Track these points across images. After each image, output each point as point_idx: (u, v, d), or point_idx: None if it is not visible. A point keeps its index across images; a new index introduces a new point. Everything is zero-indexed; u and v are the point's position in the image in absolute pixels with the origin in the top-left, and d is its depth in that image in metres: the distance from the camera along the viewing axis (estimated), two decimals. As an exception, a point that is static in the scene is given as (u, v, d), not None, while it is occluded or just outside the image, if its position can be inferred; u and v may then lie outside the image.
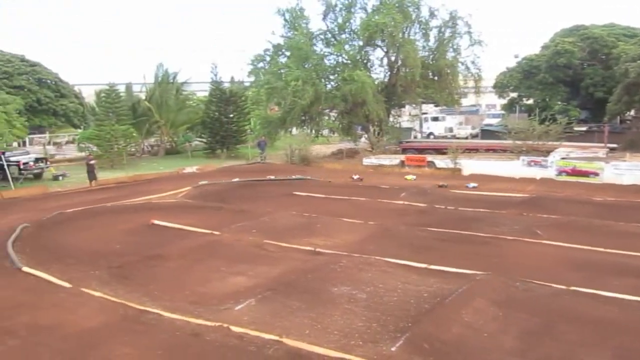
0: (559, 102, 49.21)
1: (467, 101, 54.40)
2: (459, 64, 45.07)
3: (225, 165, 40.49)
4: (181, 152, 49.84)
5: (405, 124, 51.11)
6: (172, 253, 16.79)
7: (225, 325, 11.23)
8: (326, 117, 46.84)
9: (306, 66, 41.74)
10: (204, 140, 49.81)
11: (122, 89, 48.64)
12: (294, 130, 48.45)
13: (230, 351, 10.24)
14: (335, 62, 44.36)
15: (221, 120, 47.11)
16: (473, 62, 44.88)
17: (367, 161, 37.67)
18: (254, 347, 10.38)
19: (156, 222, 20.92)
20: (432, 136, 52.72)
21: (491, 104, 66.02)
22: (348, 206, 23.53)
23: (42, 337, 11.09)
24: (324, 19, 44.08)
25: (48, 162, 37.82)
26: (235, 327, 11.15)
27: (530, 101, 52.87)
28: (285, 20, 43.57)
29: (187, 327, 11.35)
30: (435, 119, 55.24)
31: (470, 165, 32.40)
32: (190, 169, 37.43)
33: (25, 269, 15.45)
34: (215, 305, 12.56)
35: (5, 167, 31.55)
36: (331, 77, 44.32)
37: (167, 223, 20.73)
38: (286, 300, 12.77)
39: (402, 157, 37.14)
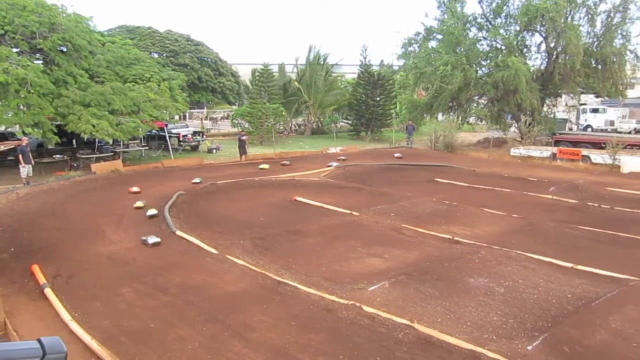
0: None
1: (633, 93, 49.67)
2: (628, 52, 41.29)
3: (369, 148, 40.75)
4: (326, 133, 50.96)
5: (560, 115, 48.01)
6: (312, 229, 17.30)
7: (357, 304, 11.40)
8: (475, 104, 45.33)
9: (457, 51, 40.61)
10: (350, 121, 50.51)
11: (275, 69, 50.60)
12: (440, 116, 47.51)
13: (361, 330, 10.39)
14: (488, 48, 42.72)
15: (367, 103, 47.44)
16: (644, 51, 40.94)
17: (515, 151, 36.01)
18: (385, 329, 10.43)
19: (299, 198, 21.66)
20: (589, 129, 49.00)
21: (662, 97, 59.92)
22: (491, 196, 22.71)
23: (189, 296, 12.03)
24: (480, 1, 42.49)
25: (204, 136, 40.53)
26: (367, 307, 11.27)
27: None
28: (440, 1, 42.60)
29: (321, 302, 11.68)
30: (594, 110, 51.19)
31: (632, 162, 29.74)
32: (335, 149, 38.17)
33: (179, 233, 16.77)
34: (350, 284, 12.77)
35: (167, 138, 34.31)
36: (483, 62, 42.75)
37: (308, 200, 21.39)
38: (420, 286, 12.65)
39: (554, 149, 35.00)
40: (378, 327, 10.52)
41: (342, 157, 34.38)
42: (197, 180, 25.54)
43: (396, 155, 35.60)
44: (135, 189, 22.82)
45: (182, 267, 13.93)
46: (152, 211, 19.05)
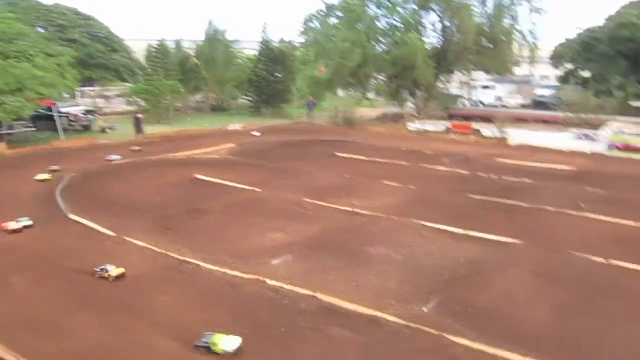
0: (617, 76, 47.17)
1: (520, 71, 52.67)
2: (516, 32, 43.60)
3: (270, 124, 40.63)
4: (227, 110, 50.21)
5: (454, 91, 50.09)
6: (213, 207, 17.11)
7: (261, 278, 11.48)
8: (373, 81, 46.30)
9: (357, 28, 41.17)
10: (250, 98, 50.02)
11: (171, 45, 49.02)
12: (340, 92, 48.13)
13: (265, 303, 10.49)
14: (387, 25, 43.59)
15: (268, 79, 47.15)
16: (530, 31, 43.31)
17: (411, 126, 37.24)
18: (288, 301, 10.60)
19: (199, 176, 21.31)
20: (480, 104, 51.55)
21: (545, 74, 63.87)
22: (389, 170, 23.43)
23: (87, 282, 11.53)
24: (379, -21, 43.14)
25: (97, 115, 38.65)
26: (270, 281, 11.38)
27: (587, 74, 50.93)
28: (341, -22, 42.89)
29: (224, 278, 11.66)
30: (485, 87, 53.81)
31: (518, 135, 31.67)
32: (235, 126, 37.74)
33: (72, 216, 16.02)
34: (253, 259, 12.81)
35: (56, 117, 32.40)
36: (382, 39, 43.62)
37: (209, 178, 21.11)
38: (322, 257, 12.92)
39: (448, 123, 36.55)
40: (282, 299, 10.68)
41: (256, 133, 34.24)
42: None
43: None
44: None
45: (78, 251, 13.32)
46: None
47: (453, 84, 50.05)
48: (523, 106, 50.84)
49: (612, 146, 28.84)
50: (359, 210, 16.67)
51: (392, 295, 10.93)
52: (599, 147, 29.06)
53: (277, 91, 47.68)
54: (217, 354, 8.47)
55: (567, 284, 11.50)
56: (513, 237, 14.14)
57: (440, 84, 46.21)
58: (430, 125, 36.59)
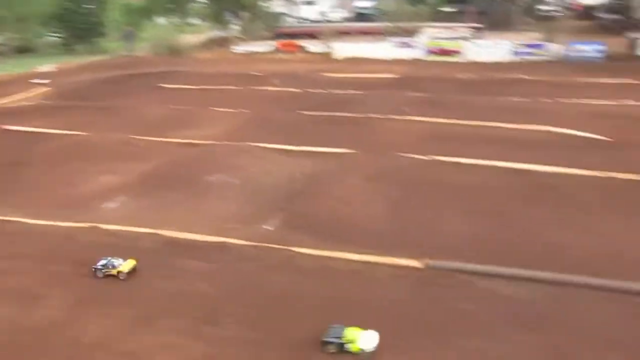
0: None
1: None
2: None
3: (87, 62, 37.52)
4: (35, 50, 45.33)
5: (278, 10, 49.46)
6: (32, 159, 15.68)
7: (96, 224, 10.93)
8: (194, 4, 44.25)
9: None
10: (60, 35, 45.45)
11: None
12: (160, 20, 45.46)
13: (106, 248, 9.96)
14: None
15: (77, 11, 42.99)
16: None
17: (238, 49, 36.50)
18: (129, 242, 10.25)
19: (8, 127, 19.12)
20: (306, 21, 51.53)
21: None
22: (220, 96, 22.87)
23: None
24: None
25: None
26: (107, 225, 10.91)
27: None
28: None
29: (58, 232, 10.91)
30: (308, 2, 53.73)
31: (342, 49, 32.40)
32: (48, 67, 34.29)
33: None
34: (84, 207, 12.12)
35: None
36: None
37: (21, 127, 19.07)
38: (159, 193, 12.54)
39: (274, 43, 36.31)
40: (122, 242, 10.28)
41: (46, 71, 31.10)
42: None
43: None
44: None
45: None
46: None
47: (277, 2, 49.40)
48: (346, 19, 51.72)
49: (428, 52, 30.62)
50: (192, 141, 16.26)
51: (235, 219, 10.97)
52: (417, 54, 30.71)
53: (90, 24, 43.70)
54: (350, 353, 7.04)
55: (397, 183, 12.29)
56: (346, 147, 14.72)
57: (263, 3, 45.33)
58: (257, 47, 36.11)
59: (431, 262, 8.64)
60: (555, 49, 28.98)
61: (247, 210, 11.31)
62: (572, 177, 12.55)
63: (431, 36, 33.03)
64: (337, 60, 31.11)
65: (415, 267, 8.64)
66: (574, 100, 19.77)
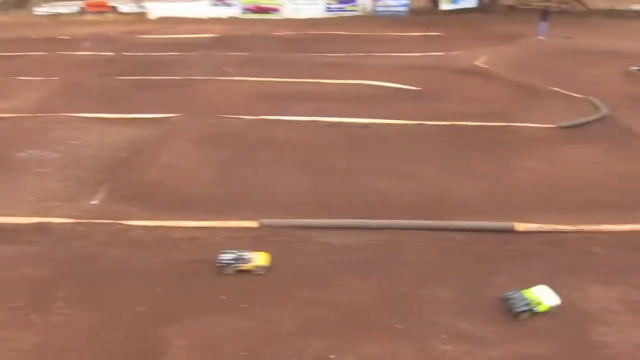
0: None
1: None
2: None
3: None
4: None
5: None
6: None
7: None
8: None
9: None
10: None
11: None
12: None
13: None
14: None
15: None
16: None
17: (39, 10, 33.27)
18: None
19: None
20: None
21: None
22: (25, 64, 20.77)
23: None
24: None
25: None
26: None
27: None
28: None
29: None
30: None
31: (157, 9, 31.01)
32: None
33: None
34: None
35: None
36: None
37: None
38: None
39: (81, 3, 33.64)
40: None
41: None
42: None
43: None
44: None
45: None
46: None
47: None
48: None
49: (245, 9, 30.46)
50: (-3, 115, 14.76)
51: (57, 197, 10.29)
52: (234, 12, 30.41)
53: None
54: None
55: (225, 145, 12.33)
56: (169, 112, 14.35)
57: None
58: (62, 8, 33.22)
59: (265, 221, 8.89)
60: (365, 4, 30.39)
61: (69, 186, 10.62)
62: (387, 127, 13.50)
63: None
64: (152, 21, 29.77)
65: (251, 227, 8.83)
66: (385, 54, 21.03)
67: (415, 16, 30.02)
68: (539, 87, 16.77)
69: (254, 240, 8.45)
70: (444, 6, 29.66)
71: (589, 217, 9.24)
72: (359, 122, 13.65)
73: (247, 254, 7.78)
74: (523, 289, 7.11)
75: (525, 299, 6.91)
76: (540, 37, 23.98)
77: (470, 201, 9.94)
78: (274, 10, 30.26)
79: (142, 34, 25.61)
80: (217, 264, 7.72)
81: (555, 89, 16.62)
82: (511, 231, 8.78)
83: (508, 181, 10.85)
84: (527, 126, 13.65)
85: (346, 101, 15.44)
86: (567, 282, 7.51)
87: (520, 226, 8.83)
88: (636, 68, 18.51)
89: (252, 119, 13.78)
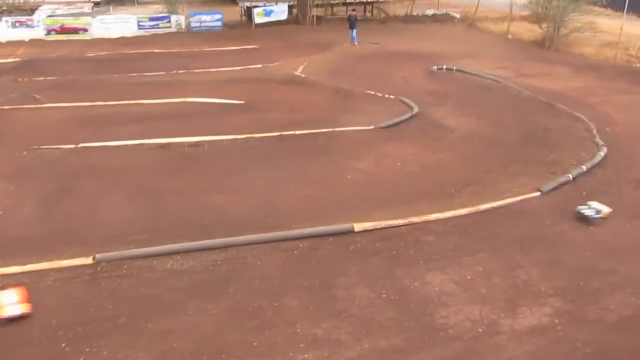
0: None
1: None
2: None
3: None
4: None
5: None
6: None
7: None
8: None
9: None
10: None
11: None
12: None
13: None
14: None
15: None
16: None
17: None
18: None
19: None
20: None
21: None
22: None
23: None
24: None
25: None
26: None
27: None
28: None
29: None
30: None
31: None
32: None
33: None
34: None
35: None
36: None
37: None
38: None
39: None
40: None
41: None
42: None
43: None
44: None
45: None
46: None
47: None
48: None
49: (48, 30, 28.53)
50: None
51: None
52: (37, 33, 28.35)
53: None
54: None
55: (45, 179, 11.40)
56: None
57: None
58: None
59: (99, 256, 8.33)
60: (178, 20, 30.03)
61: None
62: (217, 143, 13.43)
63: (49, 13, 30.90)
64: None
65: (85, 264, 8.22)
66: (205, 69, 20.96)
67: (231, 30, 30.35)
68: (356, 91, 17.82)
69: (91, 278, 7.91)
70: (258, 19, 30.24)
71: (416, 208, 10.01)
72: (187, 141, 13.42)
73: None
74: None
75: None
76: (350, 44, 25.53)
77: (307, 207, 10.25)
78: (82, 30, 28.72)
79: None
80: None
81: (371, 92, 17.79)
82: (351, 232, 9.18)
83: (340, 184, 11.38)
84: (349, 130, 14.41)
85: (172, 120, 15.11)
86: (407, 273, 8.07)
87: (358, 226, 9.27)
88: (436, 68, 20.45)
89: (72, 148, 12.93)
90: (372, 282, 7.81)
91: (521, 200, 10.41)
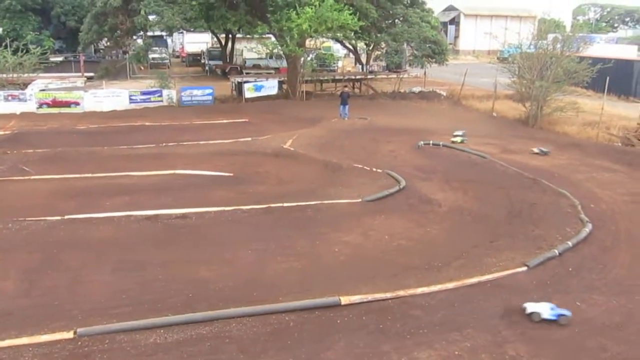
0: (31, 32, 46.62)
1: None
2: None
3: None
4: None
5: None
6: None
7: None
8: None
9: None
10: None
11: None
12: None
13: None
14: None
15: None
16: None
17: None
18: None
19: None
20: None
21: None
22: None
23: None
24: None
25: None
26: None
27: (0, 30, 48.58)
28: None
29: None
30: None
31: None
32: None
33: None
34: None
35: None
36: None
37: None
38: None
39: None
40: None
41: None
42: None
43: None
44: None
45: None
46: None
47: None
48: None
49: (40, 103, 28.92)
50: None
51: None
52: (29, 106, 28.70)
53: None
54: None
55: (29, 251, 11.31)
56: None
57: None
58: None
59: (82, 330, 8.15)
60: (170, 94, 30.62)
61: None
62: (204, 215, 13.44)
63: (41, 87, 31.45)
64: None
65: (66, 339, 8.02)
66: (195, 142, 21.22)
67: (221, 104, 30.98)
68: (344, 165, 18.04)
69: (71, 354, 7.72)
70: (248, 94, 30.91)
71: (403, 281, 9.99)
72: (175, 213, 13.43)
73: None
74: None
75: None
76: (339, 119, 26.09)
77: (294, 280, 10.18)
78: (74, 103, 29.12)
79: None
80: None
81: (358, 165, 18.02)
82: (338, 305, 9.11)
83: (327, 257, 11.34)
84: (337, 202, 14.50)
85: (160, 192, 15.17)
86: (395, 348, 7.96)
87: (345, 299, 9.21)
88: (422, 143, 20.85)
89: (59, 220, 12.85)
90: (359, 357, 7.68)
91: (508, 275, 10.43)
